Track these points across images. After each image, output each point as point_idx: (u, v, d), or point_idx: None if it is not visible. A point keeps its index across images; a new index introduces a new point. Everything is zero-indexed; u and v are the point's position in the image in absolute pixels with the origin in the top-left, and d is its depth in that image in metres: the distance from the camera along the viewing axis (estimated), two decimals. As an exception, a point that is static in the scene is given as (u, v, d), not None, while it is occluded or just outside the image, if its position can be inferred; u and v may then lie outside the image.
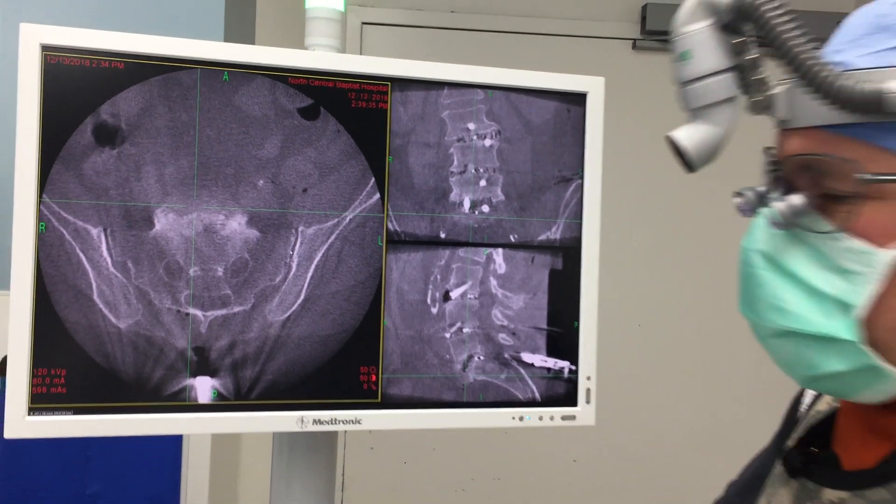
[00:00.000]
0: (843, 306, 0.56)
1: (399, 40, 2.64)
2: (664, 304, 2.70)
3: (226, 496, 2.04)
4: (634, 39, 2.70)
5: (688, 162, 0.64)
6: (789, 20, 0.54)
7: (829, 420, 0.72)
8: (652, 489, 2.71)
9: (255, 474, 2.22)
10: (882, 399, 0.59)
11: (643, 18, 2.67)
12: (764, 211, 0.62)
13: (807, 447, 0.70)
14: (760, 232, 0.62)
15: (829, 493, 0.62)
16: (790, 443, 0.74)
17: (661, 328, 2.70)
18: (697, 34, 0.61)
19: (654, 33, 2.68)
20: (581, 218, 1.13)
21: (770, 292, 0.60)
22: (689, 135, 0.63)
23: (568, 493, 2.69)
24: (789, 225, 0.59)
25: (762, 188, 0.64)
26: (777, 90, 0.60)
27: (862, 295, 0.55)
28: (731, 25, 0.61)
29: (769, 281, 0.60)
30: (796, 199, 0.58)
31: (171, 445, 1.75)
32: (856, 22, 0.57)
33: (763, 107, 0.61)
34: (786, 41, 0.54)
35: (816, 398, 0.78)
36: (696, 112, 0.63)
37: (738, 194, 0.64)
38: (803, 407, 0.79)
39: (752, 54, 0.60)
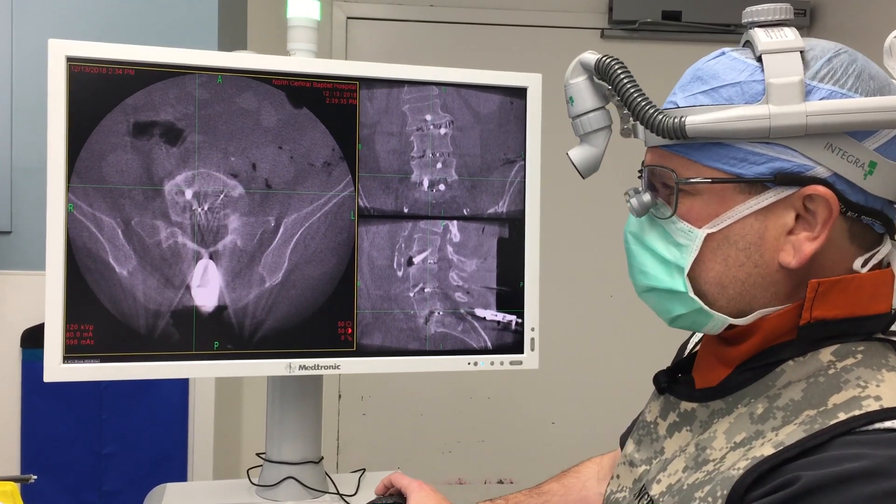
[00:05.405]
0: (679, 268, 0.77)
1: (382, 33, 2.84)
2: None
3: (230, 451, 2.25)
4: (602, 29, 2.88)
5: (579, 172, 0.87)
6: (628, 78, 0.76)
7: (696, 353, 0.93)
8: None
9: (253, 432, 2.42)
10: (717, 332, 0.80)
11: (610, 9, 2.84)
12: (631, 203, 0.84)
13: (675, 372, 0.91)
14: (632, 218, 0.85)
15: (685, 405, 0.84)
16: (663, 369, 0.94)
17: (626, 295, 2.89)
18: (577, 85, 0.83)
19: (621, 23, 2.85)
20: (524, 194, 1.33)
21: (638, 261, 0.82)
22: (577, 153, 0.86)
23: (546, 452, 2.90)
24: (641, 214, 0.81)
25: (638, 188, 0.85)
26: (633, 121, 0.83)
27: (688, 260, 0.76)
28: (598, 78, 0.83)
29: (636, 253, 0.82)
30: (645, 197, 0.80)
31: (178, 405, 1.94)
32: (686, 74, 0.80)
33: (629, 133, 0.84)
34: (625, 91, 0.76)
35: (702, 338, 0.99)
36: (581, 137, 0.86)
37: (627, 193, 0.86)
38: (691, 345, 1.00)
39: (615, 98, 0.82)
